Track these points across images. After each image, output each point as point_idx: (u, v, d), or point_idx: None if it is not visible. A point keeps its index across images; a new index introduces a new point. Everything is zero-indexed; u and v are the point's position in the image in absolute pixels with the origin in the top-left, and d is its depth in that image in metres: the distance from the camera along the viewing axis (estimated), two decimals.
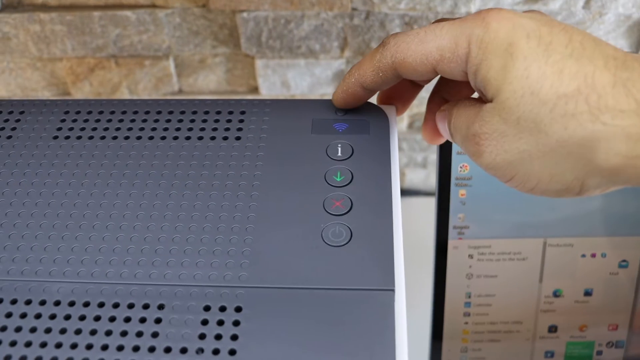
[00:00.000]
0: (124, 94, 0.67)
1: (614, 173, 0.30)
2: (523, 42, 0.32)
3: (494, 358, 0.54)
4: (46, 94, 0.67)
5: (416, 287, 0.53)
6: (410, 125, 0.69)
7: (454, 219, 0.49)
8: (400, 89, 0.42)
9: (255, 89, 0.66)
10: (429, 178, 0.75)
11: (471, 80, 0.34)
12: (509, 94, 0.31)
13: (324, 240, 0.35)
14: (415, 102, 0.65)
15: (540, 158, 0.31)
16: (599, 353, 0.54)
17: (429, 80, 0.40)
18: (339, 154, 0.39)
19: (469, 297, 0.52)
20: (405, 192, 0.75)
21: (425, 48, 0.35)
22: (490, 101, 0.33)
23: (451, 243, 0.50)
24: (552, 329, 0.53)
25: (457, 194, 0.48)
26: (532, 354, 0.54)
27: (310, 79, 0.64)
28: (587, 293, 0.52)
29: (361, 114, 0.41)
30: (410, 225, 0.56)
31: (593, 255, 0.50)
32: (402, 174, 0.74)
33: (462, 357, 0.54)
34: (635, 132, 0.29)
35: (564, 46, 0.31)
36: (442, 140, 0.41)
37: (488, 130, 0.33)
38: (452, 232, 0.50)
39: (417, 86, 0.41)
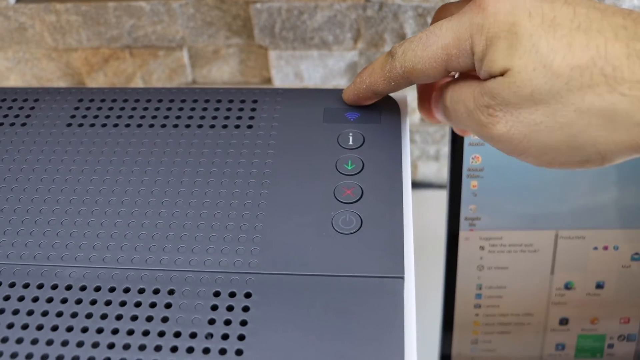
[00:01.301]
0: (138, 85, 0.68)
1: (636, 143, 0.29)
2: (525, 20, 0.31)
3: (504, 350, 0.54)
4: (61, 85, 0.68)
5: (428, 279, 0.53)
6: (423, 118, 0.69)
7: (465, 210, 0.49)
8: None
9: (268, 80, 0.67)
10: (441, 171, 0.75)
11: (479, 70, 0.33)
12: (520, 68, 0.31)
13: (334, 228, 0.35)
14: None
15: (558, 130, 0.31)
16: (610, 346, 0.54)
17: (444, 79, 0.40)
18: (350, 142, 0.39)
19: (480, 288, 0.52)
20: (417, 185, 0.75)
21: (430, 51, 0.34)
22: (499, 78, 0.32)
23: (462, 234, 0.50)
24: (563, 321, 0.53)
25: (469, 185, 0.48)
26: (543, 347, 0.54)
27: (323, 70, 0.64)
28: (599, 286, 0.52)
29: (373, 103, 0.41)
30: (422, 218, 0.57)
31: (605, 248, 0.50)
32: (414, 167, 0.74)
33: (473, 349, 0.54)
34: None
35: (569, 20, 0.31)
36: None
37: (501, 102, 0.32)
38: (463, 224, 0.50)
39: None
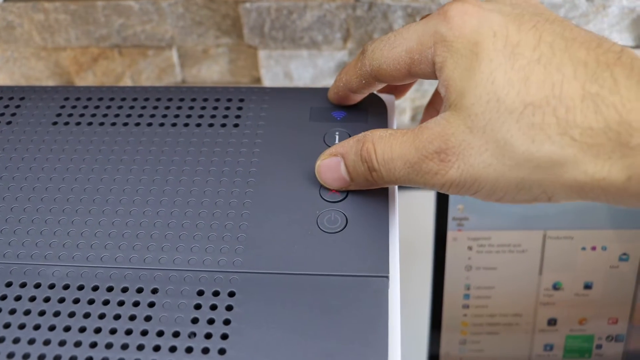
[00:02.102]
0: (127, 85, 0.68)
1: (582, 191, 0.29)
2: (489, 41, 0.30)
3: (492, 350, 0.54)
4: (50, 84, 0.68)
5: (416, 279, 0.53)
6: (413, 118, 0.69)
7: (453, 210, 0.49)
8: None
9: (258, 80, 0.66)
10: None
11: (439, 78, 0.33)
12: (474, 99, 0.30)
13: (319, 227, 0.35)
14: (417, 94, 0.65)
15: (506, 172, 0.30)
16: (599, 347, 0.54)
17: (411, 83, 0.40)
18: (337, 141, 0.39)
19: (468, 289, 0.52)
20: (407, 186, 0.75)
21: (395, 53, 0.34)
22: (452, 107, 0.31)
23: (450, 234, 0.50)
24: (552, 322, 0.53)
25: None
26: (531, 347, 0.54)
27: (313, 70, 0.64)
28: (587, 286, 0.52)
29: (359, 102, 0.41)
30: (411, 218, 0.56)
31: (593, 248, 0.50)
32: None
33: (461, 349, 0.54)
34: (602, 152, 0.28)
35: (531, 49, 0.30)
36: None
37: (454, 143, 0.31)
38: (451, 224, 0.50)
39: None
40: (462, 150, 0.31)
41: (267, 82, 0.66)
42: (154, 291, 0.33)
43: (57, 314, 0.32)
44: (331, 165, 0.36)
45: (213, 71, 0.66)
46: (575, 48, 0.30)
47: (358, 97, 0.40)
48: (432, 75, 0.33)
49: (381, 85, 0.38)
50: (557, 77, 0.29)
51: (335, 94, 0.40)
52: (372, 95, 0.41)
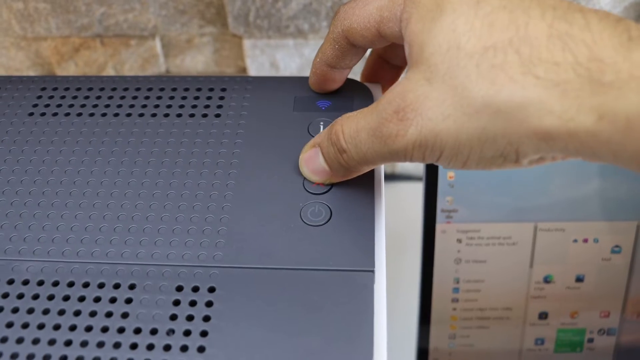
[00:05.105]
0: (110, 75, 0.66)
1: (549, 137, 0.27)
2: None
3: (482, 344, 0.53)
4: (31, 74, 0.66)
5: (404, 272, 0.52)
6: None
7: (442, 202, 0.48)
8: (381, 71, 0.41)
9: (243, 70, 0.65)
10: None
11: (404, 36, 0.31)
12: (433, 48, 0.29)
13: (302, 220, 0.34)
14: None
15: (466, 123, 0.28)
16: (590, 340, 0.53)
17: (382, 47, 0.39)
18: (321, 132, 0.38)
19: (458, 282, 0.51)
20: (396, 177, 0.74)
21: (367, 10, 0.34)
22: (413, 63, 0.30)
23: (439, 227, 0.49)
24: (543, 315, 0.52)
25: (446, 176, 0.47)
26: (522, 341, 0.53)
27: (300, 60, 0.63)
28: (579, 279, 0.51)
29: (345, 91, 0.40)
30: (399, 210, 0.56)
31: (585, 241, 0.49)
32: None
33: (450, 344, 0.54)
34: (570, 89, 0.26)
35: None
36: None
37: (412, 99, 0.29)
38: (440, 216, 0.49)
39: (397, 67, 0.40)
40: (420, 104, 0.29)
41: (253, 72, 0.65)
42: (132, 287, 0.32)
43: (30, 311, 0.31)
44: (311, 157, 0.35)
45: (197, 61, 0.65)
46: None
47: (337, 76, 0.39)
48: (399, 36, 0.32)
49: (354, 52, 0.36)
50: (523, 19, 0.27)
51: (313, 74, 0.39)
52: (357, 83, 0.40)
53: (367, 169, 0.34)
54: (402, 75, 0.41)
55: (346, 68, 0.38)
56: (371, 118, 0.31)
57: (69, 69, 0.66)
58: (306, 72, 0.64)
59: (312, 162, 0.35)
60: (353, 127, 0.32)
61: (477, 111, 0.28)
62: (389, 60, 0.40)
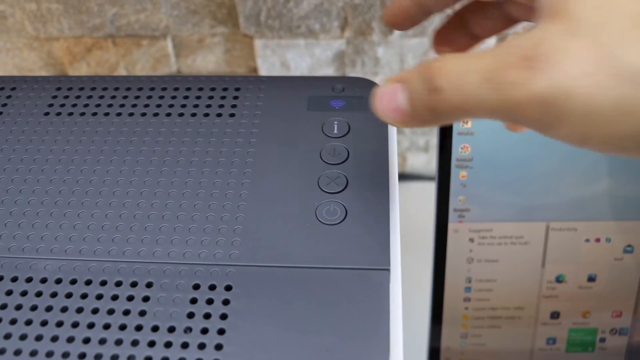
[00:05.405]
0: (123, 75, 0.67)
1: None
2: None
3: (494, 344, 0.53)
4: (43, 75, 0.67)
5: (416, 272, 0.52)
6: None
7: (454, 202, 0.48)
8: (455, 35, 0.36)
9: (254, 70, 0.65)
10: (430, 162, 0.74)
11: None
12: (583, 1, 0.25)
13: (318, 219, 0.34)
14: None
15: (608, 86, 0.24)
16: (602, 340, 0.53)
17: (470, 7, 0.35)
18: (335, 131, 0.38)
19: (470, 281, 0.51)
20: (407, 177, 0.74)
21: None
22: (548, 15, 0.26)
23: (451, 226, 0.49)
24: (555, 315, 0.52)
25: (458, 175, 0.47)
26: (534, 341, 0.53)
27: (310, 59, 0.63)
28: (591, 279, 0.51)
29: (358, 90, 0.40)
30: (411, 210, 0.56)
31: (597, 240, 0.49)
32: (403, 158, 0.73)
33: (462, 343, 0.54)
34: None
35: None
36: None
37: (548, 49, 0.25)
38: (452, 215, 0.49)
39: (473, 36, 0.36)
40: (557, 56, 0.24)
41: (264, 72, 0.65)
42: (149, 285, 0.32)
43: (49, 308, 0.31)
44: (390, 92, 0.29)
45: (208, 61, 0.65)
46: None
47: (416, 16, 0.34)
48: None
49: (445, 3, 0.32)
50: None
51: (394, 5, 0.34)
52: (371, 83, 0.40)
53: (452, 121, 0.29)
54: (485, 44, 0.36)
55: (428, 12, 0.34)
56: (488, 60, 0.26)
57: (81, 69, 0.66)
58: (317, 72, 0.64)
59: (391, 97, 0.29)
60: (461, 66, 0.27)
61: (624, 77, 0.24)
62: (470, 25, 0.36)
